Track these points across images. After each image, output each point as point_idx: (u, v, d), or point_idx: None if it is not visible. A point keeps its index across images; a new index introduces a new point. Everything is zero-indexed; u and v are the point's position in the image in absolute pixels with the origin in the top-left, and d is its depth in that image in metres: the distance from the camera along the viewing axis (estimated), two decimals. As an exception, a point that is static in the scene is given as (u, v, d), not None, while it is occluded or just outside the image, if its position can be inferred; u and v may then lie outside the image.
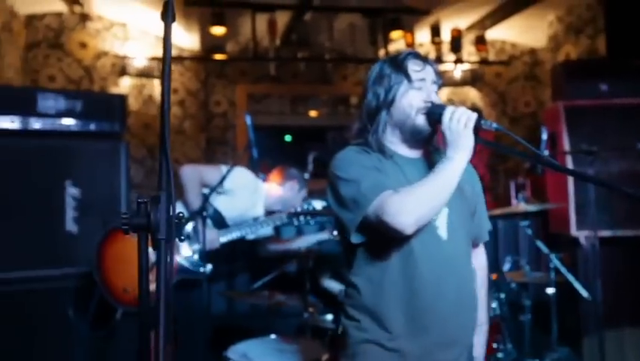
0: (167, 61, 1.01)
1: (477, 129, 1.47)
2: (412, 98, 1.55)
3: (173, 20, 1.09)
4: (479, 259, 1.75)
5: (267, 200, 3.16)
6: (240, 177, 2.99)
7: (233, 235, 2.94)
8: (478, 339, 1.67)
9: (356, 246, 1.54)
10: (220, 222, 3.02)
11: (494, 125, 1.49)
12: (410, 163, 1.57)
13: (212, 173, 2.90)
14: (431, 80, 1.58)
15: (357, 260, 1.57)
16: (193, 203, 2.80)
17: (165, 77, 1.02)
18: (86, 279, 3.02)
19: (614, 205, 3.53)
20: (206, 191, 2.87)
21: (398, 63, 1.57)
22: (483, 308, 1.71)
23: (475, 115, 1.46)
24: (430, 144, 1.62)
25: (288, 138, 6.23)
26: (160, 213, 0.92)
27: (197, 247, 2.82)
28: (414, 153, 1.60)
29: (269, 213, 3.14)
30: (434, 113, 1.52)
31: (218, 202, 2.97)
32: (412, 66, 1.56)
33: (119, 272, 2.77)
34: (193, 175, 2.88)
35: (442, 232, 1.53)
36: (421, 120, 1.54)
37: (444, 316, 1.51)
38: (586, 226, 3.69)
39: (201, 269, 2.81)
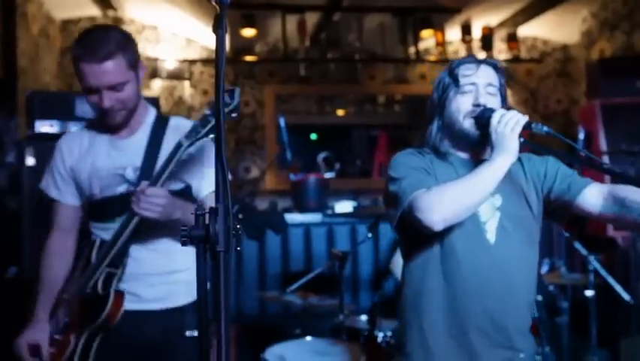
0: (220, 76, 1.03)
1: (527, 133, 1.47)
2: (459, 102, 1.58)
3: (226, 32, 1.09)
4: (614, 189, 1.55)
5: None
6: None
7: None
8: None
9: (404, 249, 1.63)
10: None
11: (545, 128, 1.47)
12: (465, 165, 1.60)
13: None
14: (485, 83, 1.58)
15: (404, 264, 1.65)
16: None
17: (220, 91, 1.03)
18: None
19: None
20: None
21: (451, 69, 1.62)
22: None
23: (524, 119, 1.46)
24: (484, 147, 1.62)
25: (313, 136, 6.26)
26: (219, 224, 0.93)
27: None
28: (468, 156, 1.64)
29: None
30: (482, 117, 1.54)
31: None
32: (464, 71, 1.59)
33: None
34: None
35: (491, 235, 1.55)
36: (468, 124, 1.57)
37: (486, 320, 1.52)
38: (623, 226, 3.62)
39: None
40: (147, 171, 1.74)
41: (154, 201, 1.61)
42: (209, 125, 1.61)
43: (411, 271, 1.62)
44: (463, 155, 1.64)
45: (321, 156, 5.48)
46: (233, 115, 1.53)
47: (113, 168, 1.77)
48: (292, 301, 3.07)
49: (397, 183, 1.54)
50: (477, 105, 1.56)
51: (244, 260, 4.00)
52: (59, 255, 1.87)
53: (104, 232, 1.79)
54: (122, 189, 1.76)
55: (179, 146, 1.65)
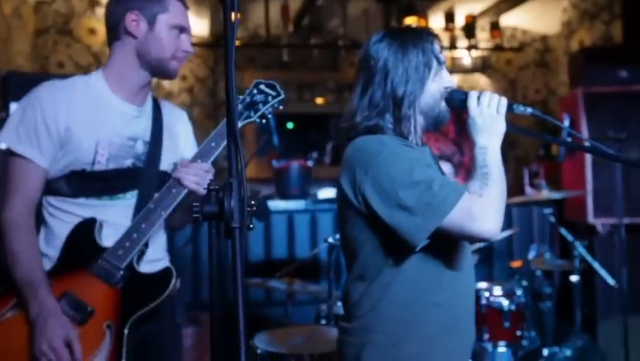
0: (230, 50, 0.99)
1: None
2: (439, 82, 1.42)
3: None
4: None
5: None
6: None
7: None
8: None
9: (398, 254, 1.36)
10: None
11: (529, 109, 1.41)
12: (428, 153, 1.48)
13: (20, 177, 1.57)
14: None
15: (392, 267, 1.37)
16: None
17: (230, 65, 0.99)
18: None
19: (630, 193, 3.51)
20: None
21: (424, 41, 1.42)
22: None
23: (505, 99, 1.38)
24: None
25: (290, 125, 6.21)
26: (233, 200, 0.89)
27: None
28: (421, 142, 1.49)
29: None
30: (455, 99, 1.41)
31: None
32: (437, 47, 1.44)
33: None
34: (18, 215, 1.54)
35: None
36: (443, 107, 1.43)
37: (470, 316, 1.47)
38: (603, 213, 3.68)
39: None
40: (154, 147, 1.66)
41: (208, 178, 1.59)
42: (268, 106, 1.70)
43: (409, 281, 1.37)
44: (419, 142, 1.46)
45: (330, 144, 5.48)
46: (281, 107, 1.69)
47: (126, 137, 1.61)
48: (276, 288, 3.04)
49: (421, 188, 1.27)
50: (447, 87, 1.43)
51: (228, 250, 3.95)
52: (32, 233, 1.55)
53: (97, 210, 1.58)
54: (128, 162, 1.62)
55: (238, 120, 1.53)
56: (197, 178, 1.57)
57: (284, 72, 5.67)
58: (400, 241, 1.31)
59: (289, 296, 3.05)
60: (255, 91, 1.69)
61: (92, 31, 5.04)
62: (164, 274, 1.62)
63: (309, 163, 4.66)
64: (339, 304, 3.00)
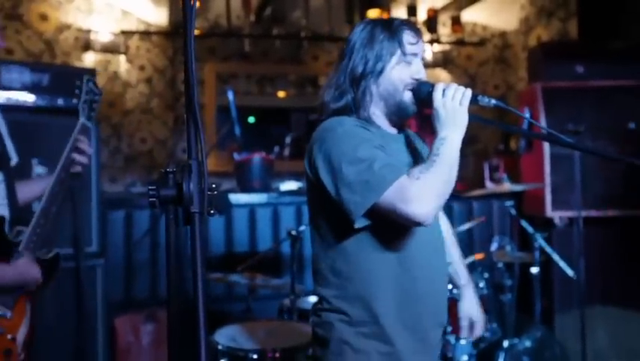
0: (189, 33, 0.92)
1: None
2: (403, 72, 1.47)
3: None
4: (443, 219, 1.75)
5: None
6: None
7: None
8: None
9: (350, 231, 1.38)
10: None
11: (493, 101, 1.43)
12: (393, 140, 1.50)
13: None
14: (422, 56, 1.52)
15: (347, 245, 1.41)
16: None
17: (189, 45, 0.92)
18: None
19: (587, 187, 3.59)
20: None
21: (393, 30, 1.47)
22: (461, 264, 1.78)
23: (469, 91, 1.41)
24: (406, 122, 1.57)
25: (251, 119, 6.13)
26: (192, 183, 0.83)
27: None
28: (393, 130, 1.53)
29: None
30: (422, 91, 1.44)
31: None
32: (408, 37, 1.47)
33: None
34: None
35: None
36: (407, 97, 1.47)
37: (435, 300, 1.48)
38: (561, 206, 3.75)
39: None
40: None
41: None
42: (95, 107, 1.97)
43: (360, 262, 1.41)
44: (389, 128, 1.51)
45: (289, 137, 5.40)
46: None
47: None
48: (238, 283, 2.97)
49: (363, 165, 1.31)
50: (415, 78, 1.47)
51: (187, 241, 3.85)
52: None
53: None
54: None
55: (86, 129, 1.95)
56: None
57: (245, 64, 5.57)
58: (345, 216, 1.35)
59: (251, 291, 2.99)
60: (87, 88, 1.96)
61: (44, 17, 4.83)
62: (55, 258, 2.00)
63: (272, 156, 4.60)
64: (303, 298, 2.96)
